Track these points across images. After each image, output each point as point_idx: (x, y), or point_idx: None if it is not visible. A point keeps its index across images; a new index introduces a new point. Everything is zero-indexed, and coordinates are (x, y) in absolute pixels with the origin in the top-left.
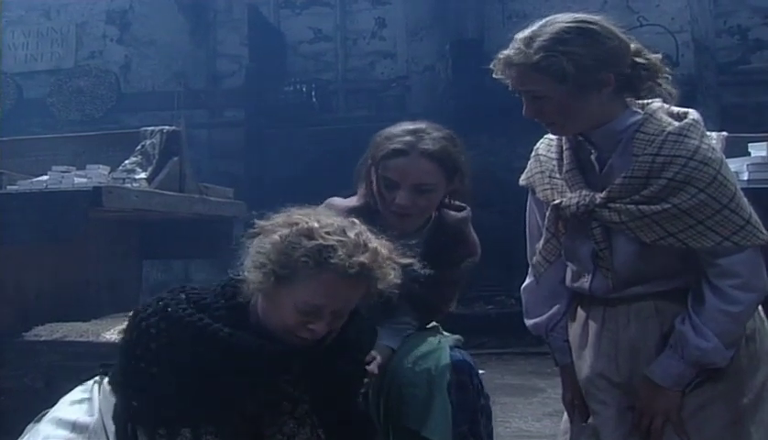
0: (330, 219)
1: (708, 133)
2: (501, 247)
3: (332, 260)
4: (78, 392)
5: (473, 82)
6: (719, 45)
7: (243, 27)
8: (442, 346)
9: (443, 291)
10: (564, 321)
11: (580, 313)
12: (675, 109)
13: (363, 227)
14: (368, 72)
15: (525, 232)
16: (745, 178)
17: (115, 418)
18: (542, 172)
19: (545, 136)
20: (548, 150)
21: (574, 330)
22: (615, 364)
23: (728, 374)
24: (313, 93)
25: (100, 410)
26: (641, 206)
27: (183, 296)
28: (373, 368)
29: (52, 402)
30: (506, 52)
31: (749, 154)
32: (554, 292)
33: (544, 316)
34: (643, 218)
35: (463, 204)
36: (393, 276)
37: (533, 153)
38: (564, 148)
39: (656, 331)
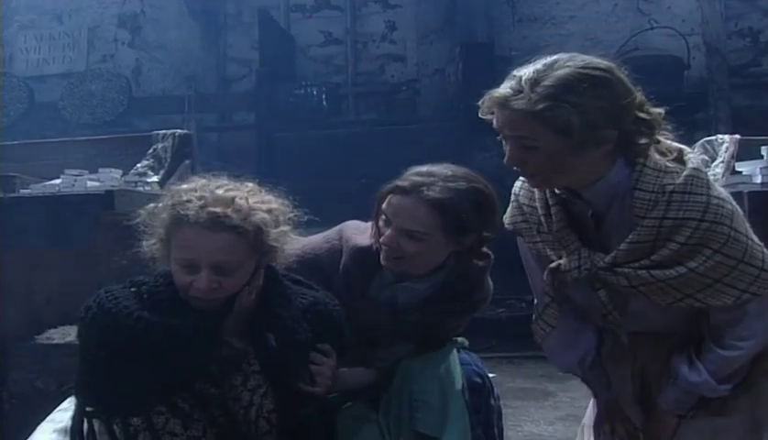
0: (206, 180)
1: (721, 136)
2: (513, 250)
3: (183, 212)
4: (67, 402)
5: (483, 86)
6: (730, 47)
7: (253, 30)
8: (449, 349)
9: (443, 333)
10: (595, 355)
11: (606, 335)
12: (666, 144)
13: (237, 185)
14: (379, 76)
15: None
16: (758, 181)
17: (73, 418)
18: (526, 222)
19: (521, 178)
20: (530, 199)
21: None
22: (643, 387)
23: (743, 388)
24: (324, 97)
25: None
26: (652, 271)
27: (119, 286)
28: (323, 370)
29: None
30: (501, 91)
31: (761, 157)
32: (574, 336)
33: (574, 358)
34: (657, 283)
35: (486, 252)
36: (277, 230)
37: (513, 198)
38: (550, 203)
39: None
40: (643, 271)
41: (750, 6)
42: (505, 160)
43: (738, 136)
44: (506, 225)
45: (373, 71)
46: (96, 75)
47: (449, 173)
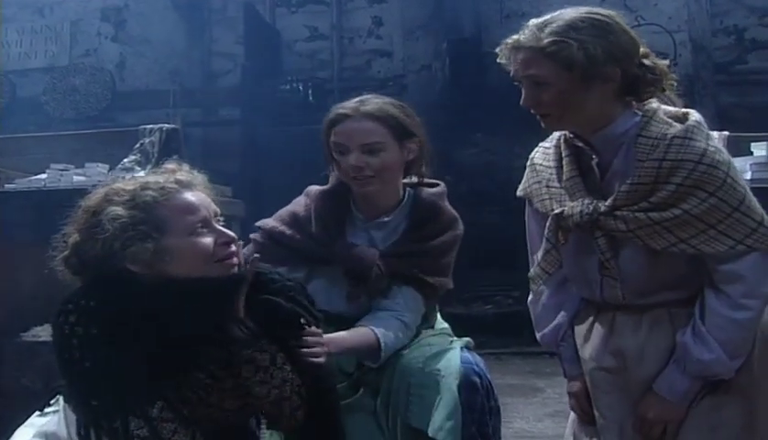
0: (120, 181)
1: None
2: (500, 246)
3: (171, 184)
4: (47, 407)
5: (470, 81)
6: (716, 45)
7: (238, 25)
8: (453, 347)
9: (429, 266)
10: (571, 330)
11: (588, 312)
12: (674, 109)
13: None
14: (365, 71)
15: (525, 236)
16: (748, 177)
17: (78, 434)
18: (539, 182)
19: (540, 144)
20: (544, 159)
21: (579, 330)
22: (622, 366)
23: (741, 378)
24: (310, 92)
25: (66, 420)
26: (649, 213)
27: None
28: (315, 339)
29: None
30: (515, 36)
31: (751, 153)
32: (557, 302)
33: (549, 327)
34: (653, 225)
35: (437, 181)
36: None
37: (529, 163)
38: (563, 155)
39: (668, 337)
40: (641, 214)
41: (735, 4)
42: (521, 102)
43: (726, 132)
44: (518, 194)
45: (359, 66)
46: (79, 69)
47: (371, 95)
